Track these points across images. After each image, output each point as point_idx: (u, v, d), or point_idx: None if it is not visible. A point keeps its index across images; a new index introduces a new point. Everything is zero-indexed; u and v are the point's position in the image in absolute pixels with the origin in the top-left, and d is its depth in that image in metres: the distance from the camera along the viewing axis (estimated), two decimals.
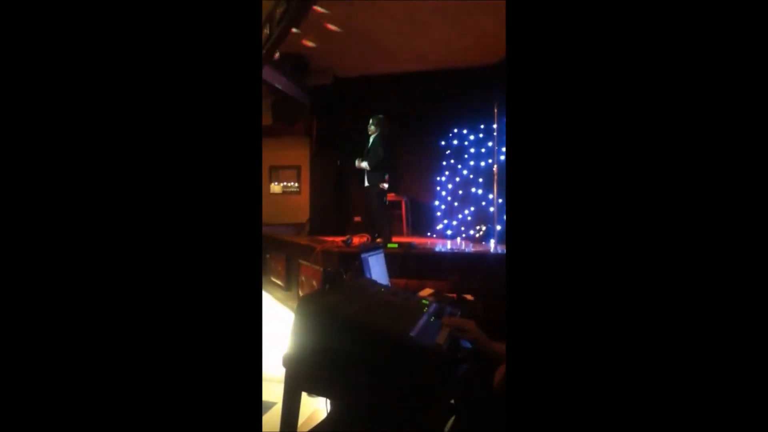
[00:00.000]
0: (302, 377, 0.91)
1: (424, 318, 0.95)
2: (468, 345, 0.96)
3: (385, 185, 3.67)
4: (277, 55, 4.47)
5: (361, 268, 1.29)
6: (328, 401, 1.06)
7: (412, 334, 0.85)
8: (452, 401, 0.94)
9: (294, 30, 3.89)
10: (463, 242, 4.67)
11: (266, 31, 4.02)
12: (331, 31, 4.48)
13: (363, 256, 1.32)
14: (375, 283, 1.23)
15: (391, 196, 4.59)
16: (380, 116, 3.75)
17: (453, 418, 0.94)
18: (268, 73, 4.99)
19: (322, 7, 3.81)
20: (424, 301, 1.08)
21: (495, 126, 4.09)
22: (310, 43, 4.69)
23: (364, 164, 3.67)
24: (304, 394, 0.93)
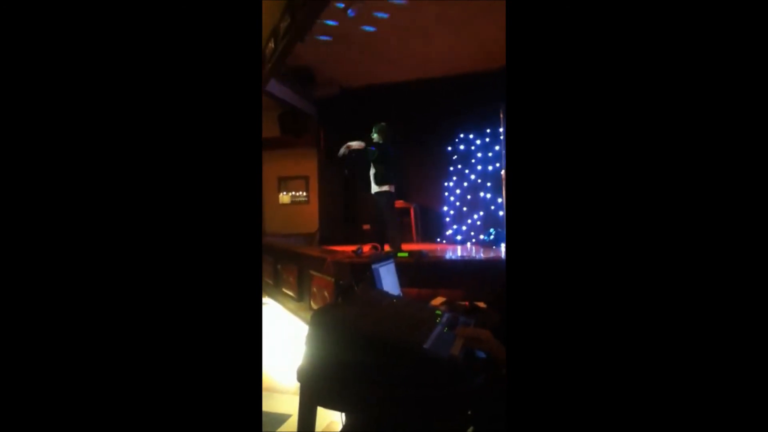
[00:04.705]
0: (317, 391, 0.91)
1: (438, 329, 0.95)
2: (483, 355, 0.96)
3: (392, 189, 3.66)
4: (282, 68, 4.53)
5: (372, 279, 1.29)
6: (343, 414, 1.05)
7: (426, 346, 0.84)
8: (469, 412, 0.93)
9: (299, 43, 3.94)
10: (474, 247, 4.65)
11: (271, 45, 4.08)
12: (336, 43, 4.53)
13: (374, 267, 1.32)
14: (387, 294, 1.23)
15: (399, 203, 4.59)
16: (382, 124, 3.73)
17: (470, 429, 0.93)
18: (274, 86, 5.05)
19: (325, 19, 3.86)
20: (437, 312, 1.08)
21: (501, 130, 4.08)
22: (315, 56, 4.74)
23: (356, 144, 3.69)
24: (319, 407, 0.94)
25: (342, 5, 3.77)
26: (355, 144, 3.72)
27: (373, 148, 3.65)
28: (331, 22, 4.06)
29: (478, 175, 5.22)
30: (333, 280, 2.70)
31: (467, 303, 1.55)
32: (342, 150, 3.78)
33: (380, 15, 4.07)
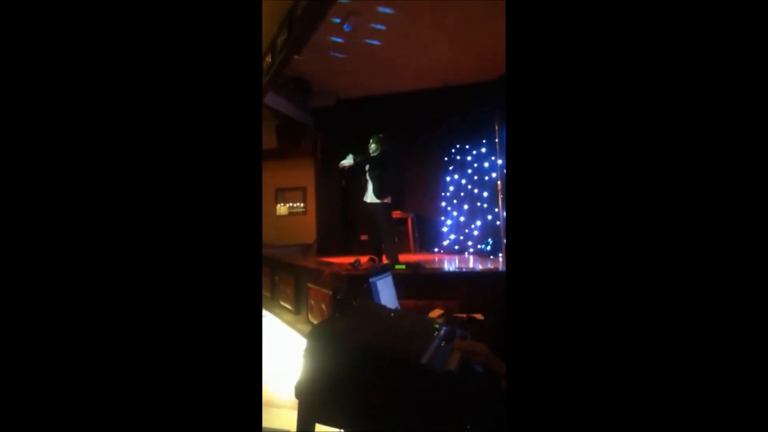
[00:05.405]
0: (315, 407, 0.91)
1: (435, 343, 0.95)
2: (480, 368, 0.96)
3: (389, 200, 3.66)
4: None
5: (370, 293, 1.29)
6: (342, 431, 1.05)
7: (423, 361, 0.84)
8: (468, 426, 0.93)
9: (296, 56, 3.98)
10: (471, 257, 4.65)
11: (268, 59, 4.11)
12: (333, 54, 4.57)
13: (371, 280, 1.32)
14: (384, 307, 1.23)
15: (397, 214, 4.59)
16: (380, 135, 3.76)
17: None
18: (271, 97, 5.08)
19: (323, 31, 3.90)
20: (435, 325, 1.08)
21: (497, 141, 4.11)
22: (312, 67, 4.79)
23: (348, 161, 3.67)
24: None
25: (338, 20, 3.82)
26: (346, 162, 3.73)
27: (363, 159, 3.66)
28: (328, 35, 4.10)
29: (475, 185, 5.24)
30: (330, 292, 2.69)
31: (465, 316, 1.56)
32: (339, 167, 3.81)
33: (377, 27, 4.12)
